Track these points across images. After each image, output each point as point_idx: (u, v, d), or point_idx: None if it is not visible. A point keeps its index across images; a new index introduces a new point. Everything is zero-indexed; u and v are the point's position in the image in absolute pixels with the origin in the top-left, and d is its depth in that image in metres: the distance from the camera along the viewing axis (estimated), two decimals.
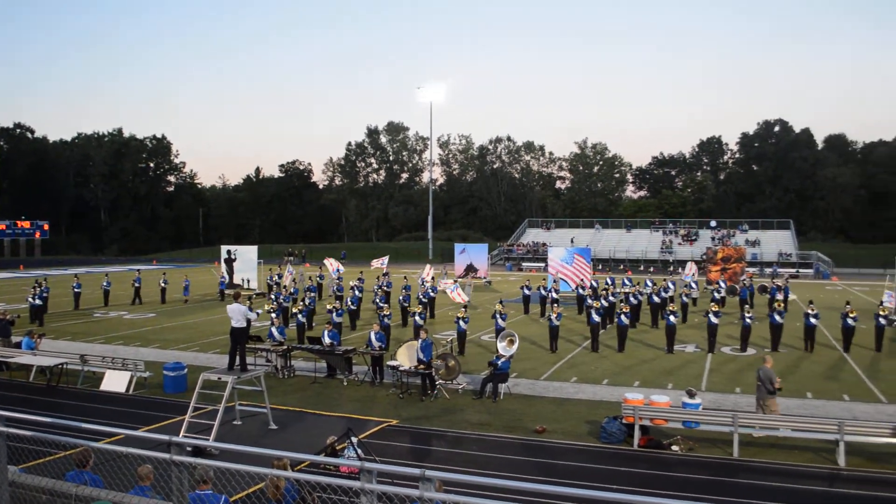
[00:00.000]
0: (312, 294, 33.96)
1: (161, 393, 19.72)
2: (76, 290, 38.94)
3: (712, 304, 27.62)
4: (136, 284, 41.88)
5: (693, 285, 40.33)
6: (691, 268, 43.06)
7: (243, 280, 46.27)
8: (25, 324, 30.84)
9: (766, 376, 15.88)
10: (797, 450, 14.68)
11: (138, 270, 49.13)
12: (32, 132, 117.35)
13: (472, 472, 12.77)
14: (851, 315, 25.77)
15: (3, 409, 6.24)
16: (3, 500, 6.30)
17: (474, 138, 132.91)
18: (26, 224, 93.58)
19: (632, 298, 32.19)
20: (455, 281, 39.96)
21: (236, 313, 15.92)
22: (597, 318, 26.39)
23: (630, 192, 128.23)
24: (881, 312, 26.45)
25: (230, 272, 46.60)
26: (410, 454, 14.53)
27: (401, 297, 33.34)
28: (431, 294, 34.95)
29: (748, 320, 25.98)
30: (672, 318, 26.09)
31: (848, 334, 25.91)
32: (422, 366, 19.30)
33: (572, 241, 76.49)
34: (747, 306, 27.86)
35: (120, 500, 6.25)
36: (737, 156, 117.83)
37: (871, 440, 14.05)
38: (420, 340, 19.82)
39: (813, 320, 25.82)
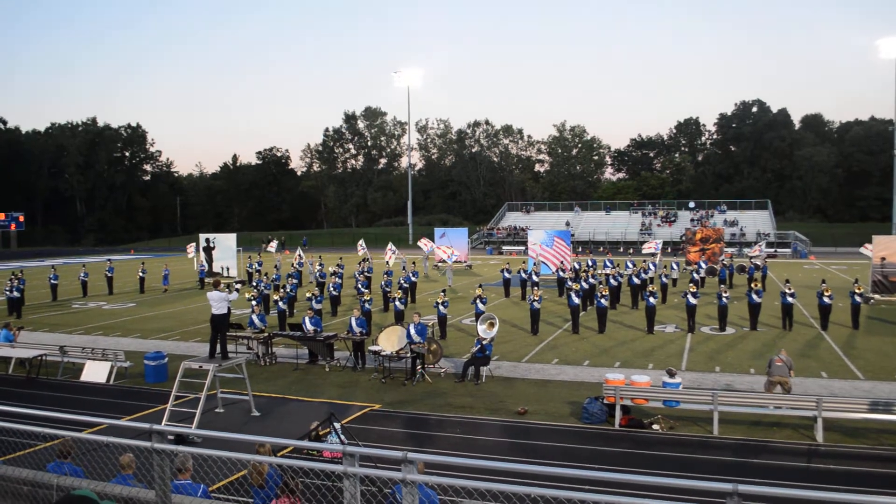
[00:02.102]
0: (294, 281, 33.85)
1: (142, 382, 19.62)
2: (53, 281, 38.56)
3: (690, 284, 27.83)
4: (109, 274, 41.64)
5: (675, 266, 40.69)
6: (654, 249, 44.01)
7: (223, 268, 46.02)
8: (3, 316, 30.56)
9: (788, 360, 16.30)
10: (776, 426, 14.87)
11: (109, 260, 48.75)
12: (5, 123, 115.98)
13: (455, 455, 12.86)
14: (827, 293, 26.07)
15: None
16: None
17: (453, 122, 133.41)
18: (1, 216, 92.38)
19: (612, 280, 32.38)
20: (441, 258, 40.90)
21: (216, 300, 15.86)
22: (577, 300, 26.50)
23: (609, 174, 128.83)
24: (857, 290, 26.77)
25: (209, 260, 46.32)
26: (393, 438, 14.59)
27: (382, 283, 33.31)
28: (413, 279, 34.95)
29: (724, 300, 26.21)
30: (652, 299, 26.26)
31: (825, 312, 26.21)
32: (407, 348, 19.37)
33: (567, 224, 76.85)
34: (724, 286, 28.07)
35: (102, 490, 6.22)
36: (714, 137, 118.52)
37: (848, 416, 14.26)
38: (414, 324, 19.95)
39: (790, 299, 26.11)
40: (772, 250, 65.10)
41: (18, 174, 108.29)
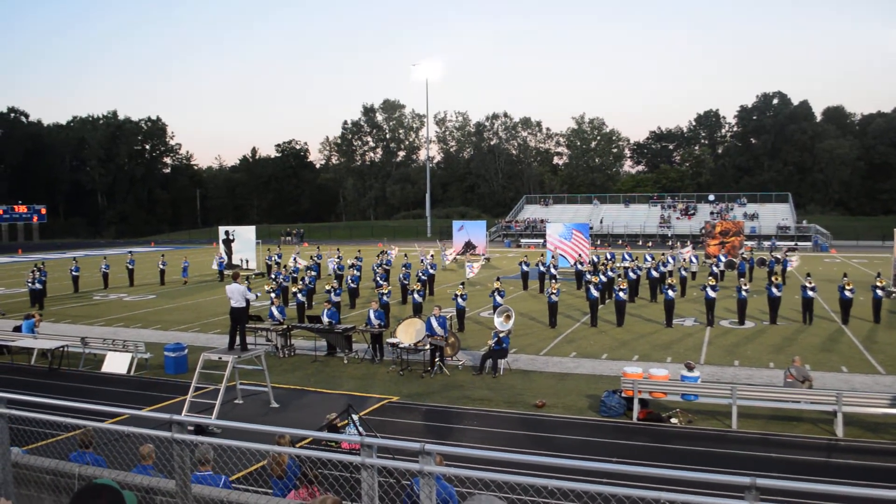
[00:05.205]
0: (312, 273, 33.98)
1: (162, 374, 19.80)
2: (74, 273, 38.92)
3: (710, 277, 27.67)
4: (130, 266, 41.96)
5: (694, 259, 40.42)
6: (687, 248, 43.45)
7: (242, 260, 46.28)
8: (26, 308, 30.89)
9: (800, 374, 15.80)
10: (795, 421, 14.77)
11: (130, 252, 49.11)
12: (27, 116, 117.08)
13: (473, 447, 12.87)
14: (848, 287, 25.82)
15: (5, 392, 6.25)
16: (7, 480, 6.34)
17: (471, 115, 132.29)
18: (23, 209, 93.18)
19: (630, 273, 32.24)
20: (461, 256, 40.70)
21: (235, 293, 15.95)
22: (595, 293, 26.41)
23: (628, 166, 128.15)
24: (878, 284, 26.51)
25: (229, 253, 46.59)
26: (411, 430, 14.63)
27: (401, 275, 33.38)
28: (431, 271, 34.96)
29: (744, 293, 26.04)
30: (671, 292, 26.15)
31: (846, 306, 25.97)
32: (425, 341, 19.39)
33: (602, 222, 76.66)
34: (743, 279, 27.87)
35: (122, 479, 6.28)
36: (735, 129, 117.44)
37: (869, 411, 14.15)
38: (435, 316, 19.94)
39: (810, 293, 25.88)
40: (792, 243, 64.57)
41: (40, 167, 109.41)
